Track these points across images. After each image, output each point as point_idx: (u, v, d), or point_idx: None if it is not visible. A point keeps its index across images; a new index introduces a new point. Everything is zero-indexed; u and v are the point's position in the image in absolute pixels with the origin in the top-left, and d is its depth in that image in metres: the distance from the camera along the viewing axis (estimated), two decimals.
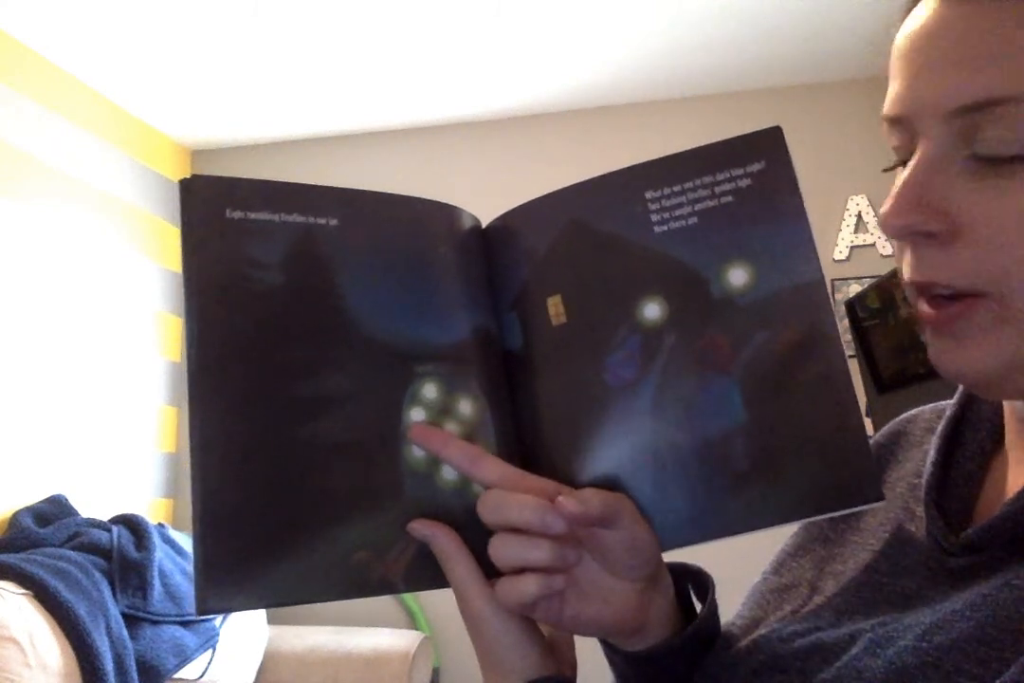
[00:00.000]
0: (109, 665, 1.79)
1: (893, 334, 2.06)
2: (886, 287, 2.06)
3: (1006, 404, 0.49)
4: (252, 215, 0.49)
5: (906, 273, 0.43)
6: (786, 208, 0.51)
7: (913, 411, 0.61)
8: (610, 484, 0.50)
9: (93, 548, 2.03)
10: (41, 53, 2.42)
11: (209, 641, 2.10)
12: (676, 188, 0.52)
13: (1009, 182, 0.38)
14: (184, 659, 2.00)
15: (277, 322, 0.49)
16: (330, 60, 2.49)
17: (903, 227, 0.41)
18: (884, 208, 0.42)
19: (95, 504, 2.42)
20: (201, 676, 2.05)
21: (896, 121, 0.43)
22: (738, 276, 0.51)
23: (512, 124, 2.97)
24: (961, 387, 0.53)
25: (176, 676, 1.99)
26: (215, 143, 3.08)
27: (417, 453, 0.50)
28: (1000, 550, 0.42)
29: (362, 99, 2.78)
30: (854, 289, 2.66)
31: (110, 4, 2.15)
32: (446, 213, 0.55)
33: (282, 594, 0.46)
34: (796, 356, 0.49)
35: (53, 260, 2.42)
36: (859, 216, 2.72)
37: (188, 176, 0.49)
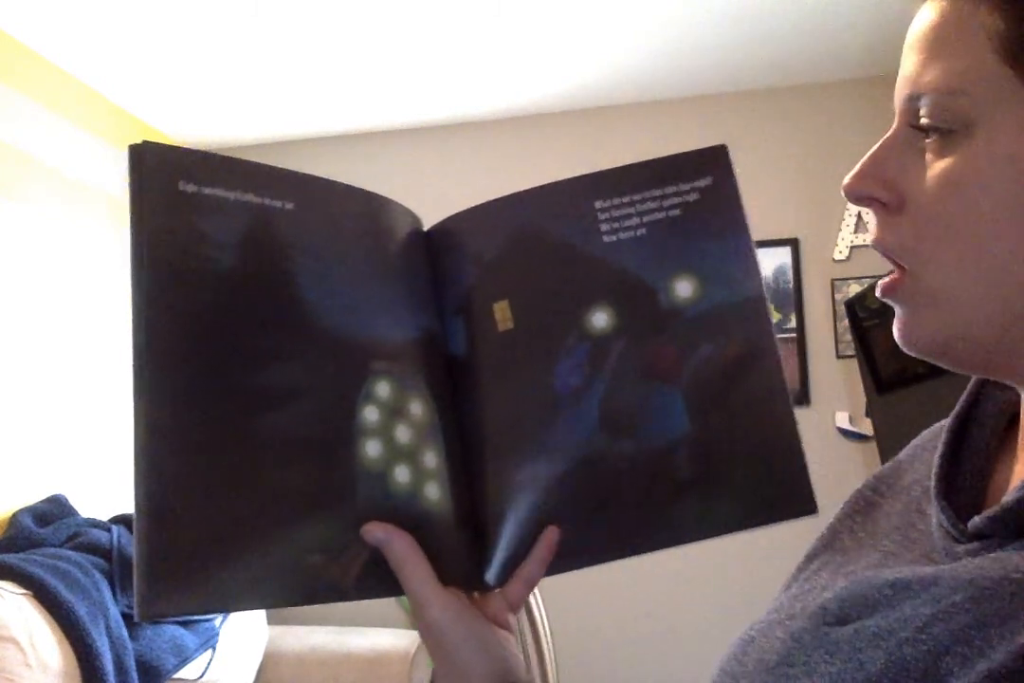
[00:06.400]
0: (109, 665, 1.79)
1: (893, 334, 2.05)
2: None
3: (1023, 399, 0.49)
4: (206, 190, 0.46)
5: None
6: (731, 224, 0.52)
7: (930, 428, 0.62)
8: (552, 492, 0.50)
9: (93, 548, 2.03)
10: (41, 53, 2.42)
11: (209, 641, 2.10)
12: (626, 199, 0.52)
13: (937, 162, 0.43)
14: (184, 659, 2.00)
15: (231, 305, 0.46)
16: (330, 60, 2.49)
17: (856, 192, 0.47)
18: (848, 175, 0.47)
19: (95, 504, 2.42)
20: (201, 676, 2.05)
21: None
22: (685, 288, 0.51)
23: (512, 124, 2.97)
24: (968, 386, 0.54)
25: (176, 676, 1.98)
26: (215, 143, 3.08)
27: (371, 452, 0.48)
28: (1006, 538, 0.43)
29: (362, 99, 2.78)
30: (854, 289, 2.66)
31: (110, 4, 2.15)
32: (394, 211, 0.54)
33: (230, 598, 0.44)
34: (737, 370, 0.51)
35: (53, 260, 2.42)
36: (859, 216, 2.72)
37: (139, 142, 0.45)
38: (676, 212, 0.52)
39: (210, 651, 2.09)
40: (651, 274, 0.51)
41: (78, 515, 2.26)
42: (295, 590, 0.45)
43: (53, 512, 2.20)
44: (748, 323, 0.51)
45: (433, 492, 0.50)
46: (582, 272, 0.52)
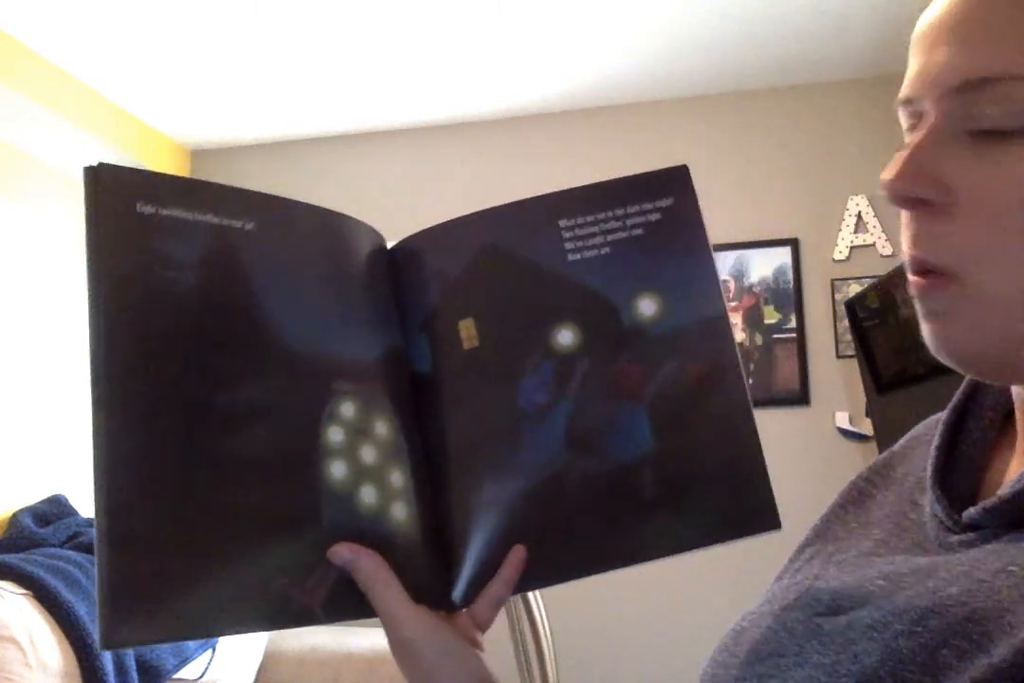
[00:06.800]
0: (109, 665, 1.79)
1: (893, 334, 2.06)
2: (886, 287, 2.06)
3: (1015, 395, 0.49)
4: (164, 211, 0.45)
5: (903, 246, 0.44)
6: (692, 244, 0.53)
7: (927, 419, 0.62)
8: (518, 510, 0.51)
9: (93, 548, 2.03)
10: (41, 53, 2.42)
11: (209, 641, 2.10)
12: (590, 218, 0.53)
13: (1004, 156, 0.39)
14: (184, 659, 2.00)
15: (192, 326, 0.45)
16: (330, 60, 2.49)
17: (902, 190, 0.42)
18: (886, 173, 0.42)
19: None
20: (201, 676, 2.05)
21: (907, 103, 0.44)
22: (648, 307, 0.52)
23: (512, 124, 2.97)
24: (967, 378, 0.53)
25: (176, 676, 1.98)
26: (215, 143, 3.08)
27: (336, 473, 0.47)
28: (1000, 529, 0.42)
29: (362, 99, 2.78)
30: (854, 289, 2.66)
31: (110, 4, 2.15)
32: (356, 229, 0.54)
33: (196, 625, 0.43)
34: (701, 387, 0.52)
35: (53, 260, 2.42)
36: (859, 216, 2.72)
37: (95, 164, 0.44)
38: (639, 231, 0.53)
39: (210, 651, 2.09)
40: (615, 293, 0.52)
41: (78, 515, 2.26)
42: (263, 615, 0.45)
43: (53, 512, 2.20)
44: (712, 341, 0.52)
45: (399, 512, 0.49)
46: (547, 290, 0.53)
